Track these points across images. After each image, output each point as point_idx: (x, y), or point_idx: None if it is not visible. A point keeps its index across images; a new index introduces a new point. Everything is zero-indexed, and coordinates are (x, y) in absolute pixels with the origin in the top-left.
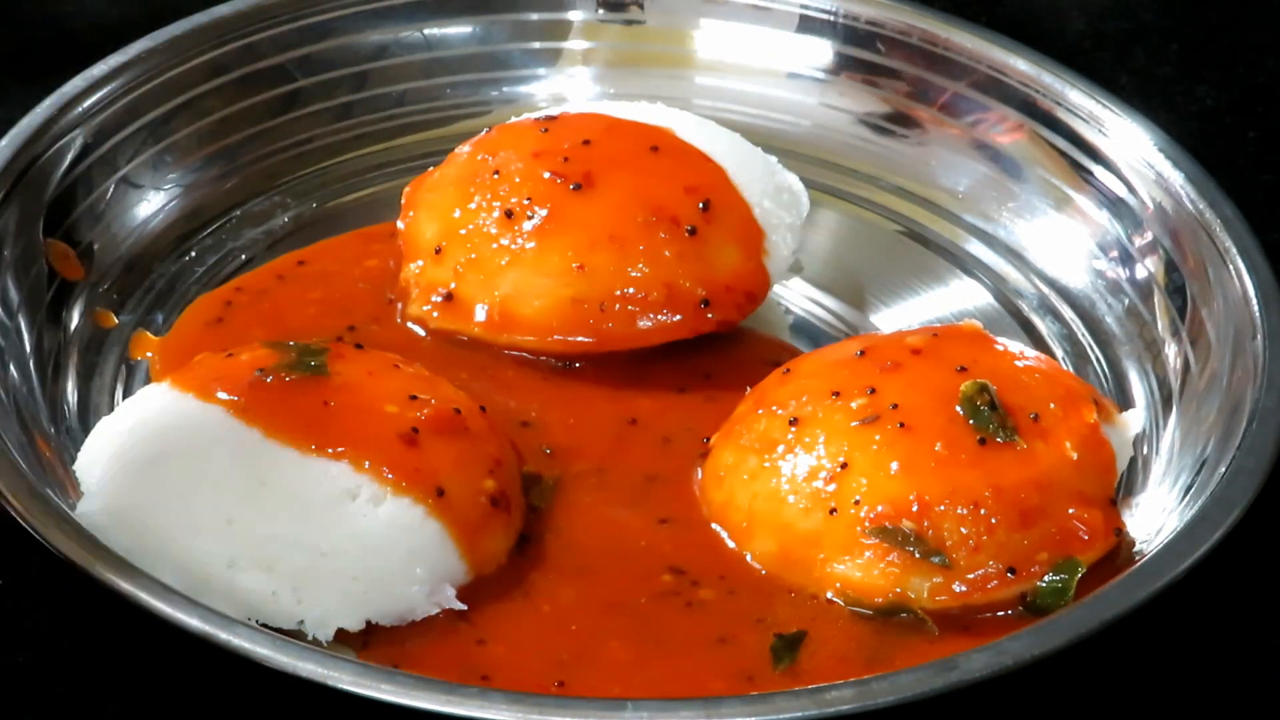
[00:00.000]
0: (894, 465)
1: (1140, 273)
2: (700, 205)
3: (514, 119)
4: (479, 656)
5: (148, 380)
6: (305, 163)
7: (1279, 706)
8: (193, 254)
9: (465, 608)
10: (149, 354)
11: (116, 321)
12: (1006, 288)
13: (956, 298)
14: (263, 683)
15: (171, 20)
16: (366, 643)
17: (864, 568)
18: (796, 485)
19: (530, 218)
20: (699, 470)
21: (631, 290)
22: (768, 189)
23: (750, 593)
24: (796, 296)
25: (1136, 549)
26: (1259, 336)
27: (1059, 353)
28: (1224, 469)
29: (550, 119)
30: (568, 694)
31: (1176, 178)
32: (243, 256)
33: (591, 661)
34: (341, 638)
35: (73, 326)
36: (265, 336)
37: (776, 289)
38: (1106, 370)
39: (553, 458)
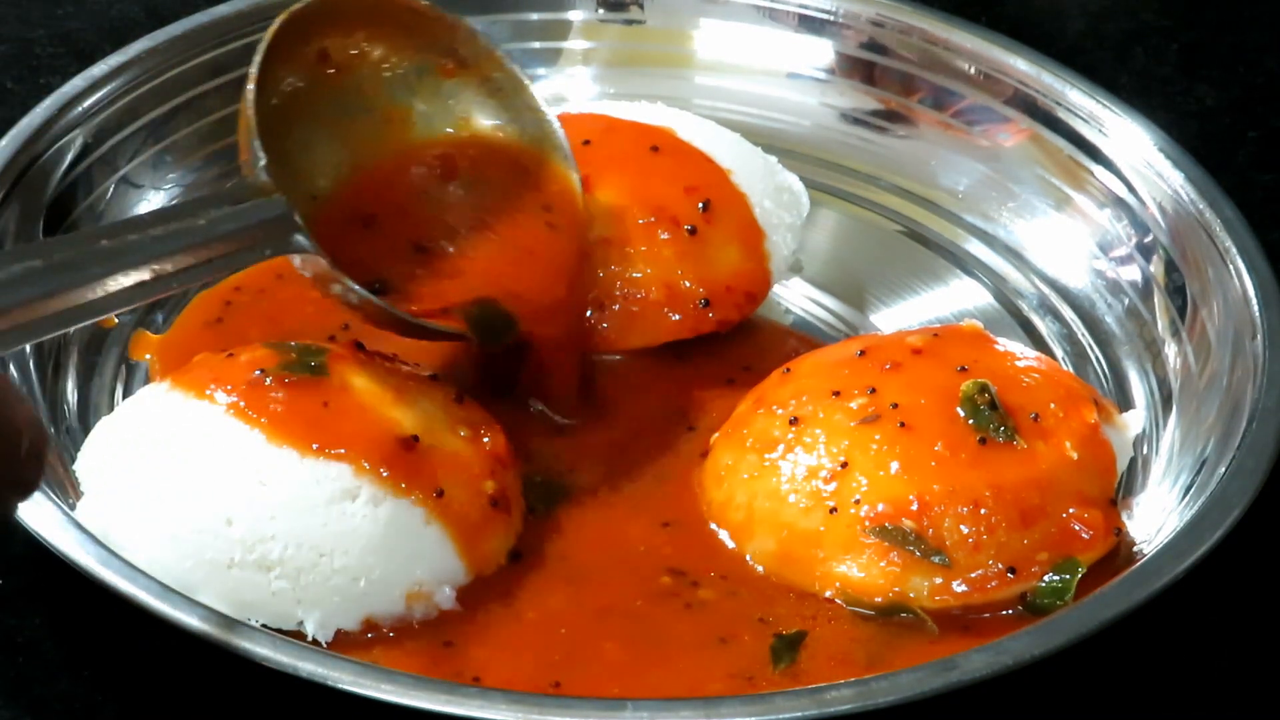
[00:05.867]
0: (894, 464)
1: (1140, 273)
2: (700, 205)
3: None
4: (461, 660)
5: (148, 380)
6: None
7: (1279, 706)
8: None
9: (461, 609)
10: (148, 355)
11: (116, 321)
12: (1006, 288)
13: (956, 298)
14: (262, 683)
15: (171, 20)
16: (335, 642)
17: (864, 567)
18: (796, 484)
19: None
20: (700, 470)
21: (631, 290)
22: (768, 189)
23: (750, 593)
24: (796, 296)
25: (1136, 549)
26: (1259, 336)
27: (1059, 353)
28: (1224, 469)
29: None
30: (565, 694)
31: (1176, 178)
32: None
33: (585, 663)
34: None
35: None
36: (264, 336)
37: (776, 289)
38: (1106, 370)
39: (553, 459)
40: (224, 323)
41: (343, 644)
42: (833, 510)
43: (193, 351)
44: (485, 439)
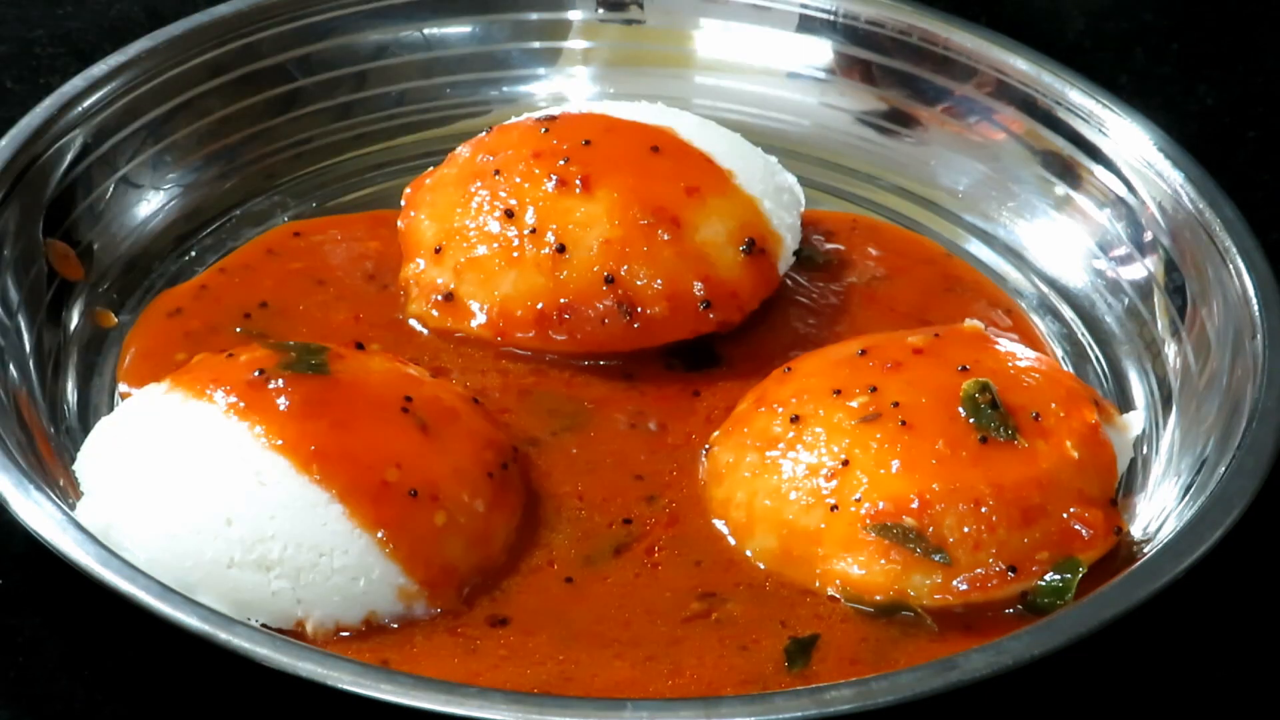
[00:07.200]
0: (895, 463)
1: (1140, 273)
2: (701, 206)
3: (514, 119)
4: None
5: (116, 369)
6: (305, 163)
7: (1279, 706)
8: (193, 254)
9: (467, 609)
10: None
11: (116, 321)
12: (1006, 288)
13: None
14: (263, 683)
15: (171, 20)
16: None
17: (865, 565)
18: (797, 482)
19: (530, 218)
20: (701, 468)
21: (631, 291)
22: (768, 189)
23: (772, 598)
24: (797, 296)
25: (1136, 549)
26: (1259, 336)
27: (1059, 353)
28: (1224, 469)
29: (550, 119)
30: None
31: (1176, 178)
32: None
33: (591, 675)
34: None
35: (73, 326)
36: (218, 323)
37: (777, 289)
38: (1106, 370)
39: (552, 460)
40: (184, 313)
41: (342, 644)
42: (833, 508)
43: (155, 342)
44: (485, 437)
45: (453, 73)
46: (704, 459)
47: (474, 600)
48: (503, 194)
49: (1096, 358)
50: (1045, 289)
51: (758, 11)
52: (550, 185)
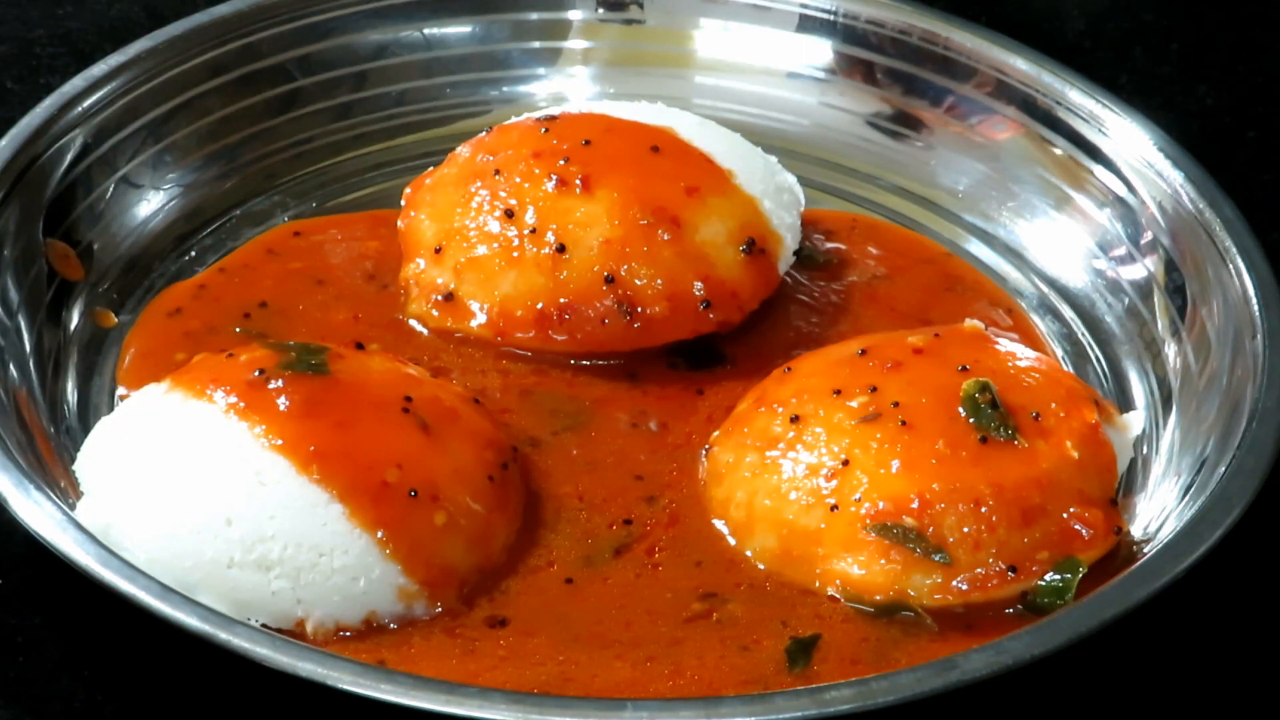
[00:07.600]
0: (895, 463)
1: (1140, 273)
2: (701, 206)
3: (514, 119)
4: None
5: (115, 368)
6: (305, 163)
7: (1279, 706)
8: (193, 254)
9: (467, 609)
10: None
11: (116, 321)
12: (1007, 288)
13: None
14: (262, 683)
15: (171, 20)
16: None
17: (864, 565)
18: (797, 482)
19: (530, 218)
20: (701, 468)
21: (632, 291)
22: (768, 189)
23: (764, 598)
24: (797, 296)
25: (1136, 549)
26: (1259, 336)
27: (1059, 353)
28: (1224, 469)
29: (550, 119)
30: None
31: (1176, 178)
32: None
33: (592, 677)
34: None
35: (73, 326)
36: (217, 322)
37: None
38: (1106, 370)
39: (553, 460)
40: (183, 313)
41: (341, 644)
42: (833, 508)
43: (155, 342)
44: (485, 438)
45: (453, 73)
46: (704, 459)
47: (473, 601)
48: (503, 194)
49: (1096, 358)
50: (1045, 289)
51: (758, 11)
52: (550, 185)
